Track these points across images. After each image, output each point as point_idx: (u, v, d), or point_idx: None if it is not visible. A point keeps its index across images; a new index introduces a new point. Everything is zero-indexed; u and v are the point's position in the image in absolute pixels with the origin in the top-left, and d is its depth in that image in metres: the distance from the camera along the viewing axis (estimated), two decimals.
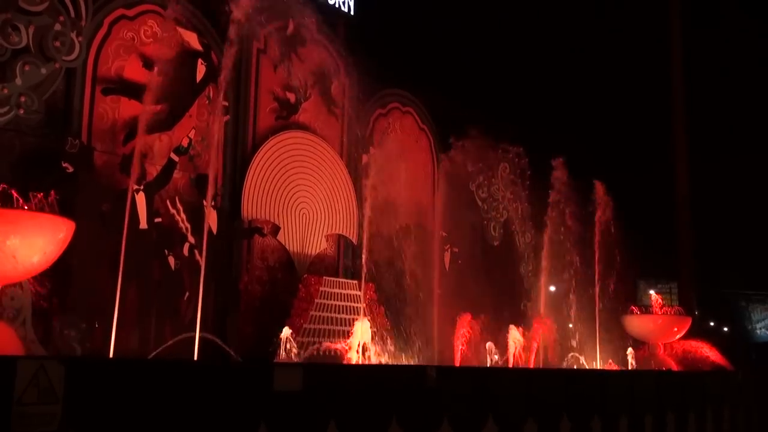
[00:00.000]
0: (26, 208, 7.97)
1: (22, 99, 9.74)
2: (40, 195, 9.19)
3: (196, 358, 9.64)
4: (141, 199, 10.97)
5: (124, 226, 10.56)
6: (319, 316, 12.36)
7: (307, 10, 14.61)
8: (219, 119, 12.18)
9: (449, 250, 16.56)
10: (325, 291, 12.66)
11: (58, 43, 10.08)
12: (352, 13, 15.77)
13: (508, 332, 12.92)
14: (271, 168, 13.35)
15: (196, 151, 12.31)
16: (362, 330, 10.58)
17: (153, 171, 11.49)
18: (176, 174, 11.86)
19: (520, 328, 13.21)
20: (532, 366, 12.77)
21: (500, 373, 10.92)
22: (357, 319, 11.54)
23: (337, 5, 15.47)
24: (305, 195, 13.92)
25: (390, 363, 11.97)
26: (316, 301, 12.44)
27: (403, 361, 12.90)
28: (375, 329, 13.01)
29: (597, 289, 15.63)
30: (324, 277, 13.00)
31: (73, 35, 10.30)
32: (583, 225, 16.93)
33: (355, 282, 13.36)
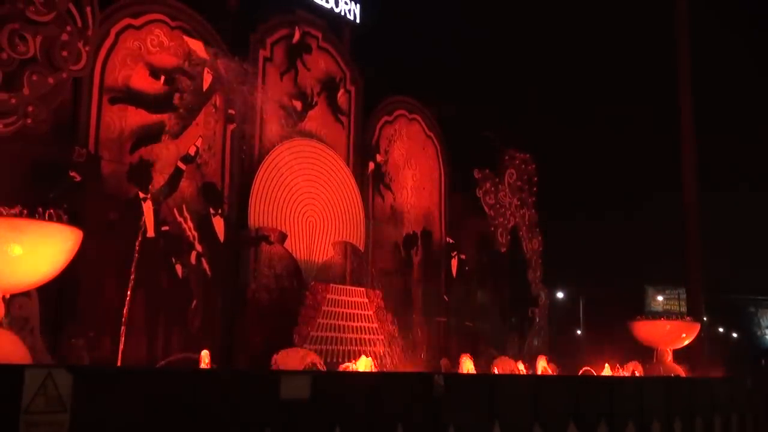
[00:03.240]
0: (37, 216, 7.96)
1: (30, 109, 9.76)
2: (49, 204, 9.27)
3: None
4: (148, 208, 11.00)
5: (132, 235, 10.63)
6: (326, 323, 12.36)
7: (313, 18, 14.70)
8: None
9: (456, 257, 16.56)
10: (332, 298, 12.67)
11: (65, 53, 10.10)
12: (357, 21, 15.81)
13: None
14: (278, 176, 13.38)
15: (203, 159, 12.35)
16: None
17: (160, 179, 11.51)
18: (183, 182, 11.89)
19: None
20: None
21: (507, 379, 10.91)
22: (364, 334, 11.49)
23: (342, 13, 15.51)
24: (312, 202, 13.95)
25: (397, 370, 11.96)
26: (323, 308, 12.44)
27: (411, 368, 12.89)
28: (383, 336, 13.03)
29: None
30: (331, 285, 13.01)
31: (80, 45, 10.33)
32: None
33: (363, 289, 13.36)
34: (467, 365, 11.78)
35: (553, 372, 12.84)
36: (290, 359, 9.95)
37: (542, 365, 12.92)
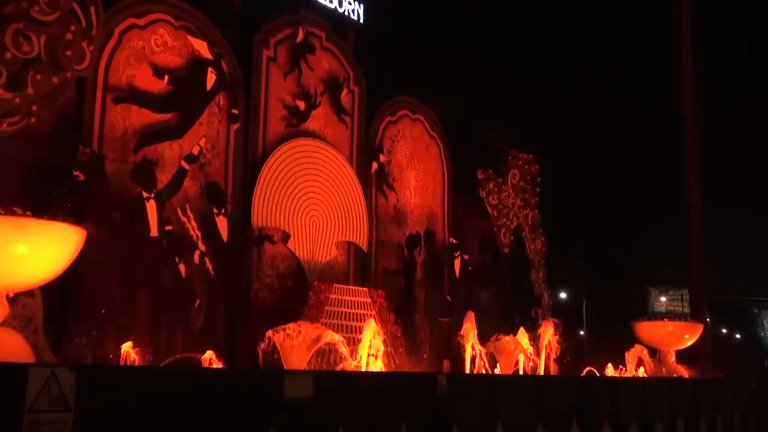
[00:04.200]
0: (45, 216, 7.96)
1: (34, 108, 9.77)
2: (53, 203, 9.29)
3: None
4: (152, 207, 11.01)
5: (136, 234, 10.65)
6: (329, 323, 12.35)
7: (317, 18, 14.71)
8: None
9: (459, 257, 16.56)
10: (335, 298, 12.67)
11: (69, 53, 10.10)
12: (361, 21, 15.82)
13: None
14: (281, 175, 13.39)
15: (206, 159, 12.37)
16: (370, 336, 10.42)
17: (164, 179, 11.53)
18: (187, 182, 11.91)
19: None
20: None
21: (510, 380, 10.91)
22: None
23: (346, 13, 15.53)
24: (315, 202, 13.96)
25: (400, 370, 11.97)
26: (326, 308, 12.44)
27: (414, 368, 12.90)
28: (386, 336, 13.03)
29: None
30: (334, 285, 13.02)
31: (84, 44, 10.33)
32: None
33: (365, 289, 13.36)
34: (470, 330, 11.86)
35: (559, 340, 12.86)
36: (295, 342, 9.83)
37: (549, 334, 12.89)
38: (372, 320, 10.77)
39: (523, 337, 12.79)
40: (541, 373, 12.38)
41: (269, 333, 9.57)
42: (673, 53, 22.15)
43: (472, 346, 11.86)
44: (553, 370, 13.02)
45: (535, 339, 13.01)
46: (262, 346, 9.59)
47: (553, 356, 12.85)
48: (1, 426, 5.03)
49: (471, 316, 12.11)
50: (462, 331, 12.03)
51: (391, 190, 15.92)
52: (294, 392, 6.61)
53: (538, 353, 12.64)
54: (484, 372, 11.76)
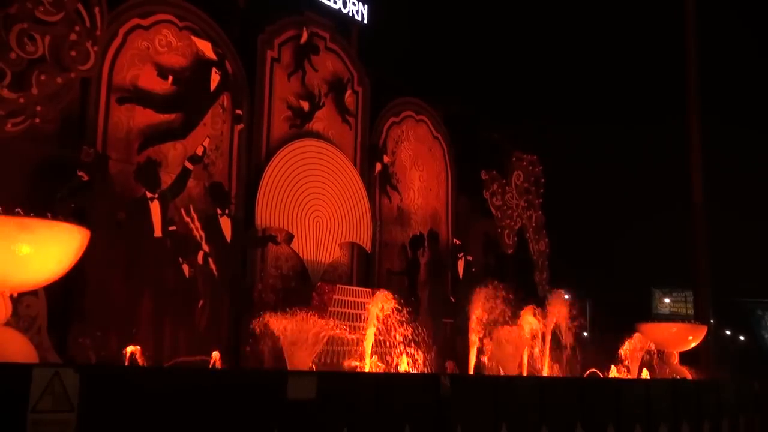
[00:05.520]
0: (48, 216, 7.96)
1: (38, 108, 9.77)
2: (56, 203, 9.29)
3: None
4: (155, 208, 11.01)
5: (139, 235, 10.64)
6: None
7: (321, 19, 14.70)
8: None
9: (463, 258, 16.54)
10: (338, 299, 12.66)
11: (73, 53, 10.10)
12: (365, 21, 15.82)
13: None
14: (285, 176, 13.39)
15: (210, 159, 12.37)
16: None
17: (167, 179, 11.52)
18: (190, 182, 11.91)
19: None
20: None
21: (514, 381, 10.89)
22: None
23: (350, 14, 15.52)
24: (319, 203, 13.96)
25: (403, 371, 11.96)
26: (329, 309, 12.43)
27: (417, 369, 12.88)
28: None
29: None
30: (337, 285, 13.00)
31: (89, 45, 10.33)
32: None
33: (369, 290, 13.36)
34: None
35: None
36: (299, 348, 9.88)
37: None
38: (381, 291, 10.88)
39: (528, 313, 12.88)
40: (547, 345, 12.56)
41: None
42: (678, 54, 22.11)
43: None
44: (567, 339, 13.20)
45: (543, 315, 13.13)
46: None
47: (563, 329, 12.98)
48: (4, 426, 5.03)
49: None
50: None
51: (394, 191, 15.91)
52: (298, 393, 6.61)
53: (545, 326, 12.76)
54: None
